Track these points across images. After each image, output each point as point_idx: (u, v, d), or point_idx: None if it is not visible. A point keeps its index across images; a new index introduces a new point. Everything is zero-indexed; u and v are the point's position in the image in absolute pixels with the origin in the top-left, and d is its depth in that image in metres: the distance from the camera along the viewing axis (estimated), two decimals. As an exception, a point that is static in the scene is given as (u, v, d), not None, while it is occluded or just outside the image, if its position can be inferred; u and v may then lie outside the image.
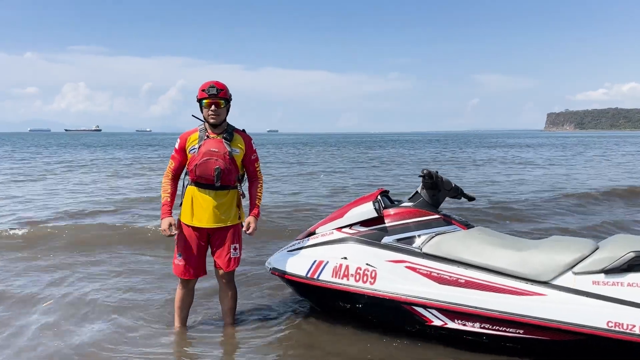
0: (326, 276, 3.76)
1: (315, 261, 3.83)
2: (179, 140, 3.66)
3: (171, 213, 3.65)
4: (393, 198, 4.14)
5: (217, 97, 3.52)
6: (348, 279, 3.69)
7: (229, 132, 3.65)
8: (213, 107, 3.52)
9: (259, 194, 3.80)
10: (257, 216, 3.74)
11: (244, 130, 3.79)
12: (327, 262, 3.78)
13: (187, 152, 3.62)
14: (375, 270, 3.62)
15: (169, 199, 3.66)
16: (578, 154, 29.75)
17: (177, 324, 3.92)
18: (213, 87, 3.52)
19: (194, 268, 3.73)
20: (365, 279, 3.64)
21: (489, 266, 3.42)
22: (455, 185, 3.83)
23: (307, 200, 10.60)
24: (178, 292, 3.85)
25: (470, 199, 4.00)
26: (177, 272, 3.75)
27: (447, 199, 3.90)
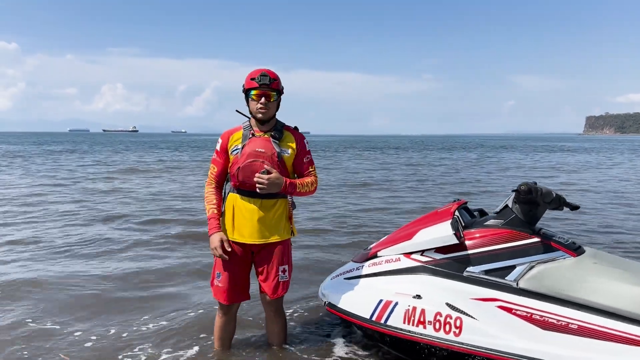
0: (396, 321, 3.01)
1: (381, 301, 3.09)
2: (220, 140, 3.12)
3: (220, 227, 3.08)
4: (472, 209, 3.37)
5: (268, 88, 2.94)
6: (425, 327, 2.93)
7: (278, 130, 3.07)
8: (263, 99, 2.94)
9: (307, 180, 3.09)
10: (285, 182, 2.95)
11: (295, 128, 3.17)
12: (397, 303, 3.03)
13: (230, 154, 3.07)
14: (460, 318, 2.85)
15: (215, 211, 3.09)
16: None
17: (217, 355, 3.35)
18: (265, 75, 2.94)
19: (236, 291, 3.15)
20: (447, 328, 2.87)
21: (612, 309, 2.61)
22: (556, 194, 3.01)
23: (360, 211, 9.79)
24: (218, 320, 3.28)
25: (574, 207, 3.14)
26: (217, 296, 3.18)
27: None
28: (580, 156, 33.83)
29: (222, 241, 2.98)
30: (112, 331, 3.83)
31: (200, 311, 4.24)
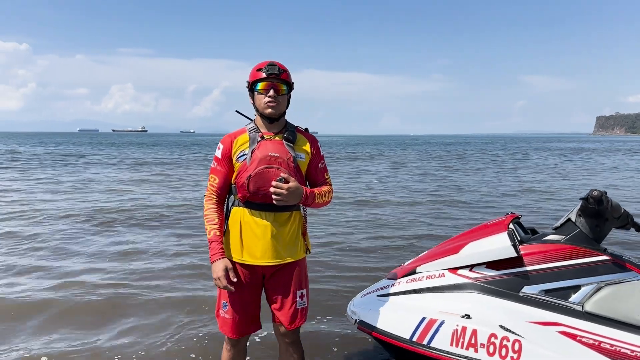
0: (442, 343, 2.63)
1: (423, 319, 2.70)
2: (221, 145, 2.63)
3: (224, 253, 2.59)
4: (526, 226, 3.00)
5: (277, 79, 2.53)
6: (476, 351, 2.54)
7: (290, 131, 2.64)
8: (272, 91, 2.52)
9: (324, 189, 2.69)
10: (305, 191, 2.55)
11: (306, 130, 2.75)
12: (443, 322, 2.64)
13: (235, 161, 2.59)
14: (519, 341, 2.47)
15: (218, 233, 2.61)
16: None
17: None
18: (273, 65, 2.53)
19: (245, 322, 2.69)
20: (504, 352, 2.49)
21: None
22: (625, 210, 2.64)
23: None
24: (225, 354, 2.80)
25: None
26: (223, 329, 2.72)
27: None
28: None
29: (226, 270, 2.53)
30: None
31: (205, 343, 3.83)
